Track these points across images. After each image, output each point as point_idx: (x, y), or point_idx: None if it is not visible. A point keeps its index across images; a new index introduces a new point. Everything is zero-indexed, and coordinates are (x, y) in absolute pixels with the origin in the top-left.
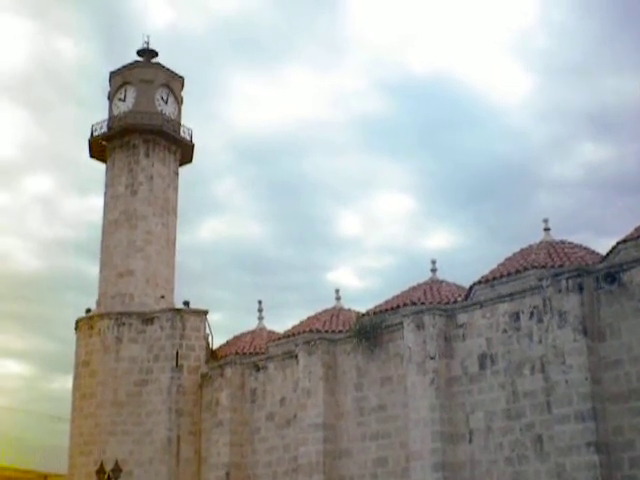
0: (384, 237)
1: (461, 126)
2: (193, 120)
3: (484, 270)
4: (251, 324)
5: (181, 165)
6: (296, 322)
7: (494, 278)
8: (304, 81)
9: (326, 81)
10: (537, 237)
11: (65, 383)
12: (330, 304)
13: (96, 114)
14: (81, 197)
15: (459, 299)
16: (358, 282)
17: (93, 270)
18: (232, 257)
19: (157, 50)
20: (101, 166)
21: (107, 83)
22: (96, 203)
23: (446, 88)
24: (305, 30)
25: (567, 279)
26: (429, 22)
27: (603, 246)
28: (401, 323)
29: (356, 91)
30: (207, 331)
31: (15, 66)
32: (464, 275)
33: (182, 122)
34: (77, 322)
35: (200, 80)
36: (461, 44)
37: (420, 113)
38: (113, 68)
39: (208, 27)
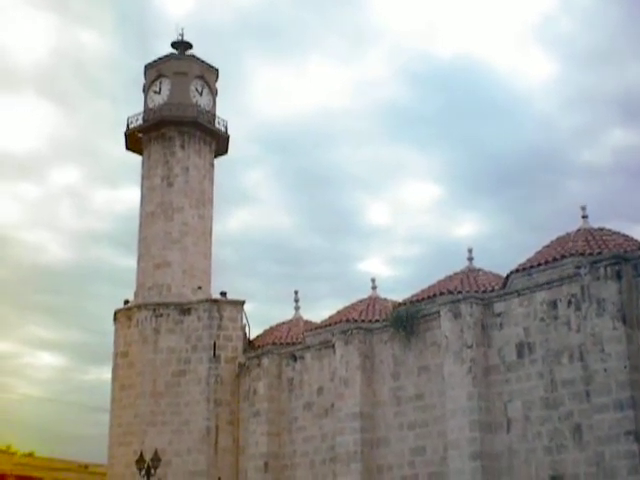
0: (413, 226)
1: (486, 113)
2: (220, 111)
3: (515, 257)
4: (282, 314)
5: (216, 156)
6: (331, 312)
7: (531, 266)
8: (328, 71)
9: (350, 70)
10: (568, 224)
11: (99, 374)
12: (362, 294)
13: (123, 105)
14: (111, 189)
15: (496, 288)
16: (389, 271)
17: (124, 261)
18: (261, 248)
19: (191, 42)
20: (131, 158)
21: (132, 74)
22: (126, 195)
23: (470, 75)
24: (328, 20)
25: (605, 267)
26: (451, 9)
27: (638, 233)
28: (438, 312)
29: (380, 80)
30: (244, 321)
31: (39, 59)
32: (494, 262)
33: (216, 113)
34: (115, 313)
35: (225, 71)
36: (484, 30)
37: (444, 101)
38: (136, 59)
39: (230, 18)
